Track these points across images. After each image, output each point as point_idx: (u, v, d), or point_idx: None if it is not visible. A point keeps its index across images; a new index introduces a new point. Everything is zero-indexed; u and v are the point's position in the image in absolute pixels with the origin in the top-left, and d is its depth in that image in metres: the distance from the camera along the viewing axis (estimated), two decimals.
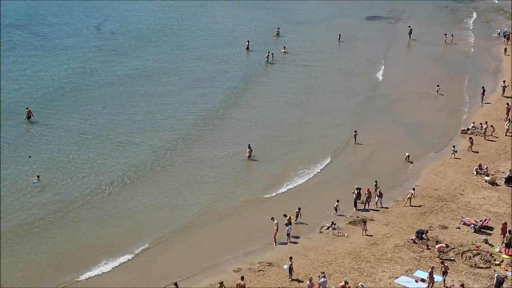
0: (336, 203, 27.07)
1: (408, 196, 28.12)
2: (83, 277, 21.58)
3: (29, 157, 32.09)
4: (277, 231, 24.09)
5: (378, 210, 27.72)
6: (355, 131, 35.72)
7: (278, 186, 30.39)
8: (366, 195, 27.56)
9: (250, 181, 31.64)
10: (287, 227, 24.29)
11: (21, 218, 25.55)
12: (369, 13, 70.51)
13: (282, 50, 54.93)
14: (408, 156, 33.19)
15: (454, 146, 34.42)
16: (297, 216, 25.92)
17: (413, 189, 28.55)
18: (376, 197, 27.82)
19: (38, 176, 29.14)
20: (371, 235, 25.09)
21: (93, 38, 56.91)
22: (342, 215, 27.17)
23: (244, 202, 28.46)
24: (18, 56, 49.66)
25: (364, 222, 25.63)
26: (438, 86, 44.78)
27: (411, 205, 28.01)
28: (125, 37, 56.88)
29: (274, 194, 29.47)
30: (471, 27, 67.27)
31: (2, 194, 27.25)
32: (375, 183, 28.47)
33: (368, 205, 27.71)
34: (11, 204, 26.66)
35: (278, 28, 60.41)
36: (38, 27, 58.68)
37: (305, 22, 66.48)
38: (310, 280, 19.89)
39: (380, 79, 49.43)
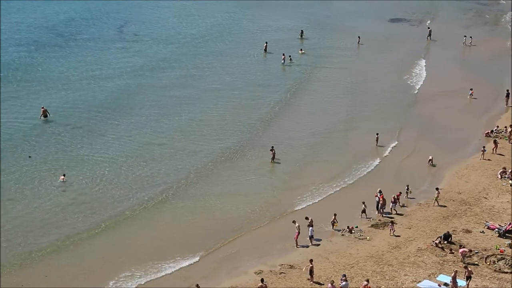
0: (364, 206, 27.11)
1: (435, 197, 28.11)
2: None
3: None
4: (298, 233, 24.36)
5: (402, 214, 27.63)
6: (377, 134, 35.62)
7: (303, 190, 30.51)
8: (380, 202, 27.37)
9: (281, 186, 31.33)
10: (310, 229, 24.53)
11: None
12: (392, 15, 69.96)
13: (299, 52, 55.03)
14: (432, 159, 32.92)
15: (484, 147, 34.08)
16: (333, 224, 25.83)
17: (437, 189, 28.45)
18: (391, 203, 27.63)
19: (64, 175, 29.65)
20: (398, 235, 25.14)
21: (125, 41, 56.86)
22: (367, 218, 27.24)
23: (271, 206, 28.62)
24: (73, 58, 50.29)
25: (392, 222, 25.74)
26: (471, 90, 44.05)
27: (439, 205, 28.04)
28: (163, 44, 56.32)
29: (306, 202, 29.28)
30: (495, 29, 66.30)
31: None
32: (406, 188, 28.65)
33: (383, 211, 27.52)
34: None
35: (302, 30, 60.44)
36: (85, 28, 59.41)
37: (329, 23, 66.28)
38: (332, 283, 20.04)
39: (404, 80, 49.17)
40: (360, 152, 35.34)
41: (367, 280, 20.30)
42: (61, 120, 37.79)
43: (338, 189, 30.67)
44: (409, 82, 48.96)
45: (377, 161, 34.25)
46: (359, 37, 58.69)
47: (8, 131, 35.09)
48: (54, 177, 29.98)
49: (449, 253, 23.46)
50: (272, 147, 33.34)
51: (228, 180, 31.46)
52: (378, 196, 27.35)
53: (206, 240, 25.01)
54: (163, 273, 22.40)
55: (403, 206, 28.27)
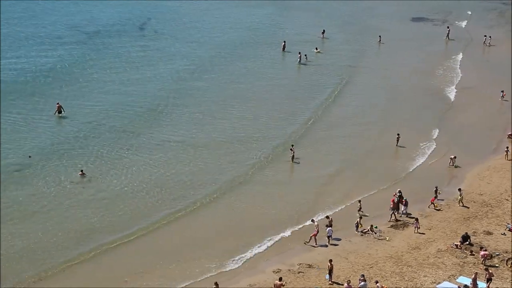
0: (359, 205, 27.31)
1: (459, 198, 28.04)
2: None
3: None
4: (317, 232, 24.64)
5: (421, 214, 27.54)
6: (398, 134, 35.49)
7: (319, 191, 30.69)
8: (391, 205, 27.19)
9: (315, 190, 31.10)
10: (328, 229, 24.77)
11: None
12: (415, 14, 69.53)
13: (315, 51, 55.13)
14: (454, 158, 32.67)
15: (507, 148, 33.65)
16: (357, 227, 25.96)
17: (459, 190, 28.33)
18: (402, 207, 27.51)
19: (82, 171, 30.14)
20: (423, 233, 25.15)
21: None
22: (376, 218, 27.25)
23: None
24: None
25: (417, 220, 25.77)
26: (503, 92, 43.51)
27: (463, 205, 27.98)
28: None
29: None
30: None
31: None
32: (435, 189, 28.46)
33: (395, 215, 27.36)
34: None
35: (324, 30, 60.46)
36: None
37: (351, 23, 66.33)
38: (348, 283, 20.24)
39: (428, 81, 48.92)
40: (392, 155, 35.57)
41: (376, 282, 20.50)
42: (105, 122, 38.12)
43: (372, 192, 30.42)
44: (433, 82, 48.64)
45: (411, 165, 34.15)
46: (380, 36, 58.52)
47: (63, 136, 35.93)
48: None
49: (470, 255, 23.35)
50: (292, 145, 33.72)
51: (263, 183, 31.49)
52: (397, 196, 27.40)
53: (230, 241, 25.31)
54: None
55: (437, 208, 28.13)
